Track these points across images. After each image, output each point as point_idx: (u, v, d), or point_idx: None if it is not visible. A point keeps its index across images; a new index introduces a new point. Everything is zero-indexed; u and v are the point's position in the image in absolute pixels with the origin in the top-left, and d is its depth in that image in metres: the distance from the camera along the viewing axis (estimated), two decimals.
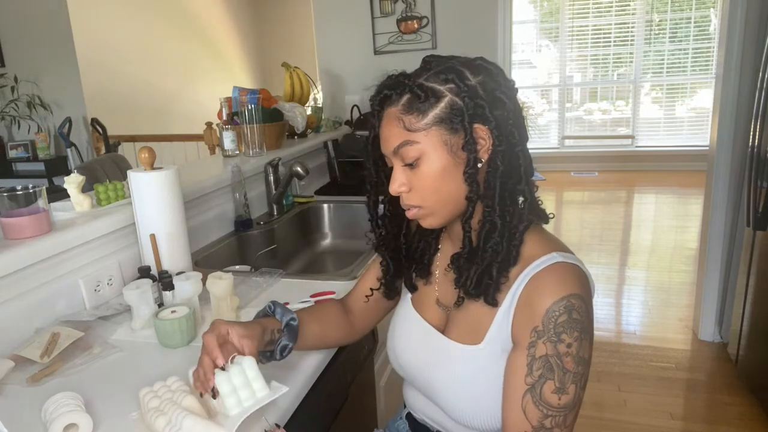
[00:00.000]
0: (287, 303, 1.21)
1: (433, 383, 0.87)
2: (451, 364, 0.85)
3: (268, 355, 0.89)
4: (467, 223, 0.79)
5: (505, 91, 0.77)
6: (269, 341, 0.86)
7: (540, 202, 0.85)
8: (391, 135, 0.78)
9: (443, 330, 0.89)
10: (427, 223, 0.82)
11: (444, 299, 0.90)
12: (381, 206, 0.89)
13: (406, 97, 0.76)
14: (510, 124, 0.77)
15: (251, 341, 0.80)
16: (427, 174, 0.77)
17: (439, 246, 0.94)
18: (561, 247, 0.80)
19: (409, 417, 1.02)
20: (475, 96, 0.75)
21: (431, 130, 0.75)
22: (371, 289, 0.99)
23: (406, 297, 0.96)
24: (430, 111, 0.75)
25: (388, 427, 1.09)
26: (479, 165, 0.77)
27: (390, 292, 0.97)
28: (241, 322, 0.83)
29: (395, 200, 0.85)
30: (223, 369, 0.76)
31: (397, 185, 0.79)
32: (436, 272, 0.93)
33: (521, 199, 0.80)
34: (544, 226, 0.86)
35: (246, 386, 0.75)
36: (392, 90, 0.77)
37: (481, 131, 0.76)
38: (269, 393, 0.76)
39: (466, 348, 0.83)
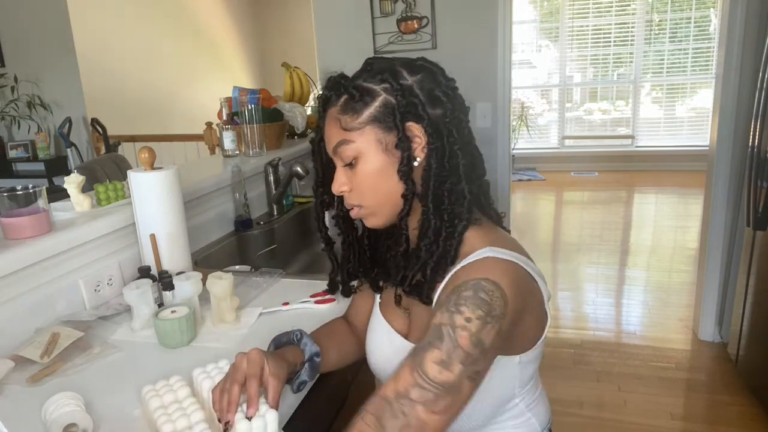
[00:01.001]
0: (287, 303, 1.21)
1: None
2: None
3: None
4: (403, 220, 0.79)
5: (444, 90, 0.77)
6: (290, 372, 0.86)
7: (492, 202, 0.84)
8: (331, 135, 0.79)
9: (407, 332, 0.88)
10: (370, 222, 0.83)
11: (404, 302, 0.89)
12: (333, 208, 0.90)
13: (343, 98, 0.77)
14: (447, 122, 0.76)
15: (277, 381, 0.77)
16: (365, 173, 0.77)
17: None
18: (499, 244, 0.76)
19: None
20: (410, 94, 0.75)
21: (365, 129, 0.76)
22: (338, 282, 0.98)
23: (377, 301, 0.96)
24: (365, 110, 0.76)
25: None
26: (415, 163, 0.77)
27: (344, 288, 0.96)
28: (273, 356, 0.81)
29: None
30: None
31: (338, 185, 0.80)
32: None
33: (463, 199, 0.78)
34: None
35: None
36: (332, 91, 0.79)
37: (415, 129, 0.76)
38: None
39: None
